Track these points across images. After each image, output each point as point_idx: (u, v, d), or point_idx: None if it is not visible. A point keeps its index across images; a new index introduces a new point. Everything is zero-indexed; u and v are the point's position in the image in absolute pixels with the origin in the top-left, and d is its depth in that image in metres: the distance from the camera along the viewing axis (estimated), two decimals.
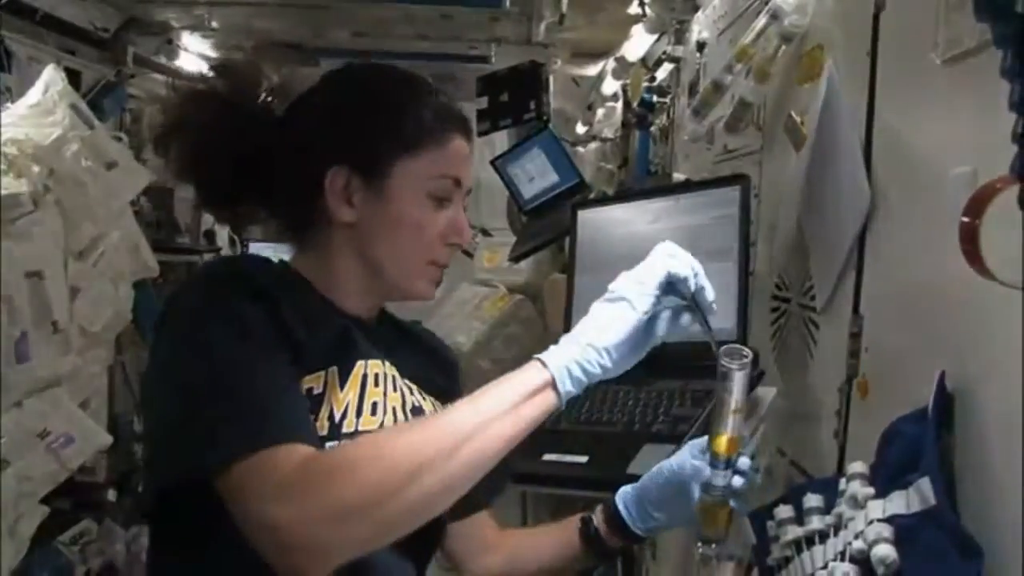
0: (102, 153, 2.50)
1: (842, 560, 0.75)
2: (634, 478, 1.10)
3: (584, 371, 0.87)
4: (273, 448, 0.79)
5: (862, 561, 0.73)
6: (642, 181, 2.39)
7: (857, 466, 0.80)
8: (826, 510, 0.83)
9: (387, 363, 1.01)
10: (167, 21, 2.86)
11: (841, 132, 1.02)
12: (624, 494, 1.11)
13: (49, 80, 2.36)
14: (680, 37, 2.11)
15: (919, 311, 0.83)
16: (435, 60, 3.21)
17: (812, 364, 1.11)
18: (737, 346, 0.93)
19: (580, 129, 3.91)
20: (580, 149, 3.67)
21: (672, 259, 0.93)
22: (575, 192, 2.61)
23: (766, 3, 1.23)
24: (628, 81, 2.66)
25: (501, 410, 0.83)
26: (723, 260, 1.24)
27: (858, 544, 0.73)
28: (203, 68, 3.13)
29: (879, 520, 0.72)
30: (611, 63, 2.91)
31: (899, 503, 0.72)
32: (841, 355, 0.99)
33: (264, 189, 1.03)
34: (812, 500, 0.84)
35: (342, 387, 0.95)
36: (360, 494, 0.77)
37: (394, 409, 0.99)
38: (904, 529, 0.70)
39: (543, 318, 3.23)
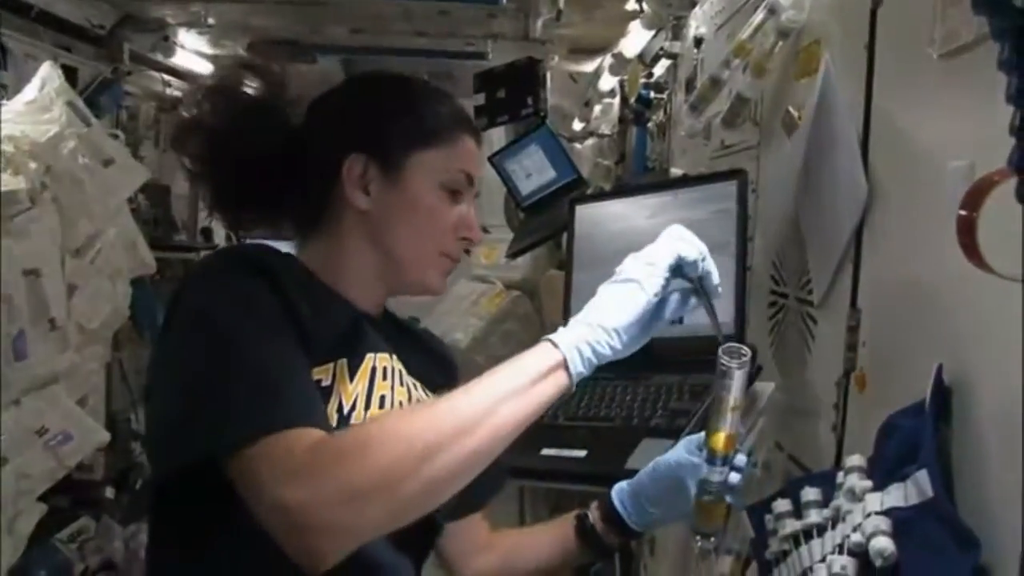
0: (99, 150, 2.50)
1: (840, 553, 0.75)
2: (632, 473, 1.09)
3: (595, 352, 0.87)
4: (285, 431, 0.79)
5: (860, 554, 0.73)
6: (639, 177, 2.39)
7: (855, 459, 0.80)
8: (824, 503, 0.83)
9: (394, 357, 1.01)
10: (163, 18, 2.85)
11: (839, 126, 1.02)
12: (620, 490, 1.10)
13: (45, 77, 2.36)
14: (677, 33, 2.11)
15: (917, 305, 0.83)
16: (432, 56, 3.21)
17: (810, 358, 1.11)
18: (737, 344, 0.93)
19: (577, 125, 3.91)
20: (577, 145, 3.68)
21: (681, 242, 0.93)
22: (572, 188, 2.61)
23: None
24: (625, 77, 2.66)
25: (513, 390, 0.83)
26: (720, 255, 1.23)
27: (856, 537, 0.73)
28: (200, 66, 3.15)
29: (877, 513, 0.72)
30: (608, 59, 2.91)
31: (897, 496, 0.72)
32: (839, 349, 0.99)
33: (278, 187, 1.03)
34: (810, 494, 0.84)
35: (351, 379, 0.94)
36: (374, 475, 0.76)
37: (401, 403, 0.99)
38: (902, 522, 0.70)
39: (540, 314, 3.23)
